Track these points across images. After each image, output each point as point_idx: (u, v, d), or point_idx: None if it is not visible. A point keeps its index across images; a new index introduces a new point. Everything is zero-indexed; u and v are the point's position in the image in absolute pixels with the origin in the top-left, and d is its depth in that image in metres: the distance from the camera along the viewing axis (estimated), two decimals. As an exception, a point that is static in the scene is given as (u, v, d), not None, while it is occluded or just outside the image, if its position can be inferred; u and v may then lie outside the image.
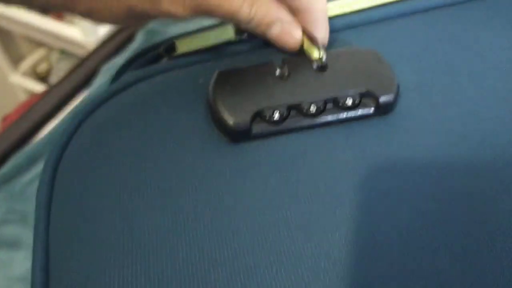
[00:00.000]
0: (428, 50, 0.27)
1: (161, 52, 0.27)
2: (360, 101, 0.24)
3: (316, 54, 0.24)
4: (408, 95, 0.25)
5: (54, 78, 1.23)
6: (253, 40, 0.27)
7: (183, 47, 0.27)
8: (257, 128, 0.23)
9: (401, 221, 0.21)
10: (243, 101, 0.23)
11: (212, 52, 0.27)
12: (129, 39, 0.96)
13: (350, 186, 0.22)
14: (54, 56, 1.27)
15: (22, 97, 1.29)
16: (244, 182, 0.22)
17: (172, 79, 0.25)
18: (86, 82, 0.96)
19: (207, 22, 0.28)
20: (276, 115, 0.23)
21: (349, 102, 0.23)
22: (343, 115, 0.24)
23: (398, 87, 0.24)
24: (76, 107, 0.25)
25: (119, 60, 0.91)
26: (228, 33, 0.27)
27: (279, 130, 0.23)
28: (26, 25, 1.10)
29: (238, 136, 0.23)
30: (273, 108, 0.23)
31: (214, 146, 0.23)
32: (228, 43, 0.27)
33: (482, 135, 0.23)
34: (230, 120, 0.23)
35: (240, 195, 0.21)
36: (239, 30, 0.27)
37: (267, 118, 0.23)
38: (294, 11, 0.24)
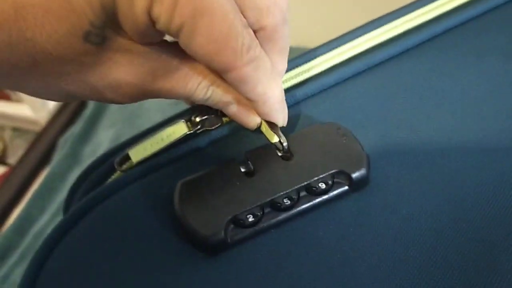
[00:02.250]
0: (387, 107, 0.26)
1: (116, 166, 0.25)
2: (333, 182, 0.22)
3: (275, 139, 0.23)
4: (379, 163, 0.24)
5: (11, 157, 1.18)
6: (209, 131, 0.26)
7: (137, 155, 0.25)
8: (233, 235, 0.21)
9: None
10: (213, 210, 0.21)
11: (169, 154, 0.25)
12: (82, 106, 0.94)
13: (337, 274, 0.20)
14: (7, 135, 1.22)
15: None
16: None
17: (132, 196, 0.24)
18: (46, 158, 0.93)
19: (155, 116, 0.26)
20: (250, 218, 0.22)
21: (322, 186, 0.22)
22: (319, 199, 0.22)
23: (369, 159, 0.23)
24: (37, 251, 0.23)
25: (75, 129, 0.88)
26: (181, 128, 0.25)
27: (256, 232, 0.22)
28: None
29: (215, 248, 0.21)
30: (245, 211, 0.21)
31: (191, 262, 0.22)
32: (182, 139, 0.25)
33: (458, 195, 0.22)
34: (203, 233, 0.21)
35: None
36: (192, 123, 0.26)
37: (241, 223, 0.21)
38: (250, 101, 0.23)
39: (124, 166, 0.25)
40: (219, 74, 0.21)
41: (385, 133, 0.25)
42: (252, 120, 0.24)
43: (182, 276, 0.21)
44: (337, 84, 0.27)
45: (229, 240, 0.21)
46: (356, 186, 0.23)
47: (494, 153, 0.23)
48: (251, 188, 0.22)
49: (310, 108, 0.26)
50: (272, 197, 0.22)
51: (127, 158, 0.25)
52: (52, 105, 0.98)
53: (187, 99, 0.23)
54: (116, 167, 0.25)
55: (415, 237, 0.21)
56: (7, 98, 1.07)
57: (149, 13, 0.18)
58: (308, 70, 0.27)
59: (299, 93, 0.26)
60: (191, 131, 0.25)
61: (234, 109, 0.23)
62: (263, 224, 0.22)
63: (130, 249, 0.22)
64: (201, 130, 0.25)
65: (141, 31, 0.19)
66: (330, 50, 0.28)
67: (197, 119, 0.25)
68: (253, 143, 0.25)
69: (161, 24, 0.18)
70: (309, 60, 0.28)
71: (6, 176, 0.93)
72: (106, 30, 0.19)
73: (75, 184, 0.27)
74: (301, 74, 0.27)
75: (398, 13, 0.30)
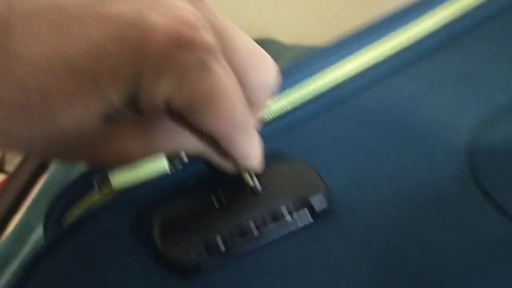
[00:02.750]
0: (354, 140, 0.28)
1: (95, 185, 0.27)
2: (297, 211, 0.25)
3: (250, 182, 0.26)
4: (344, 196, 0.26)
5: (9, 165, 1.21)
6: (188, 170, 0.28)
7: (117, 180, 0.27)
8: (206, 260, 0.24)
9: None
10: (187, 236, 0.24)
11: (148, 187, 0.27)
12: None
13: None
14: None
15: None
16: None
17: (108, 225, 0.26)
18: (43, 165, 0.95)
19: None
20: (222, 244, 0.24)
21: (287, 216, 0.25)
22: (285, 230, 0.25)
23: (329, 191, 0.25)
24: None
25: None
26: (162, 165, 0.28)
27: (228, 258, 0.24)
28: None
29: (188, 271, 0.24)
30: (217, 238, 0.24)
31: (165, 284, 0.24)
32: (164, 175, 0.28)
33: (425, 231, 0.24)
34: (177, 256, 0.23)
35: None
36: (172, 162, 0.28)
37: (213, 249, 0.24)
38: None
39: (104, 190, 0.27)
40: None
41: (352, 169, 0.27)
42: (231, 170, 0.26)
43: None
44: (305, 120, 0.29)
45: (201, 265, 0.24)
46: (318, 214, 0.25)
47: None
48: (222, 217, 0.24)
49: (278, 145, 0.28)
50: (241, 225, 0.24)
51: (107, 178, 0.27)
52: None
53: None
54: (95, 187, 0.27)
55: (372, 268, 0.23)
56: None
57: (167, 102, 0.19)
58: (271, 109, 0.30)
59: (267, 130, 0.29)
60: (173, 168, 0.27)
61: (216, 160, 0.25)
62: (234, 250, 0.24)
63: (106, 273, 0.24)
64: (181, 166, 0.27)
65: (156, 113, 0.20)
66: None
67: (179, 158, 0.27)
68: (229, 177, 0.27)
69: (176, 109, 0.20)
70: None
71: (4, 184, 0.95)
72: (125, 110, 0.19)
73: (52, 204, 0.29)
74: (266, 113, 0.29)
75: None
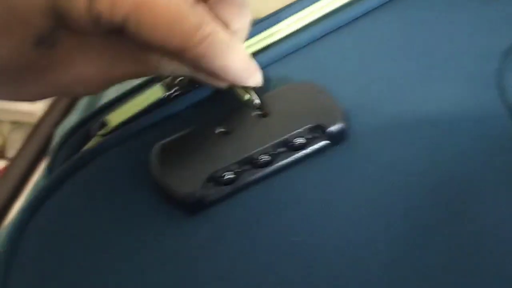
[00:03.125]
0: (362, 61, 0.26)
1: (93, 133, 0.25)
2: (311, 138, 0.22)
3: (246, 97, 0.23)
4: (357, 118, 0.23)
5: (10, 151, 1.19)
6: (185, 94, 0.25)
7: (114, 120, 0.25)
8: (212, 194, 0.21)
9: (381, 251, 0.19)
10: (190, 170, 0.21)
11: (145, 119, 0.25)
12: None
13: (320, 229, 0.20)
14: (5, 128, 1.23)
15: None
16: (209, 254, 0.20)
17: (111, 162, 0.24)
18: (43, 150, 0.93)
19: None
20: (228, 175, 0.21)
21: (300, 140, 0.22)
22: (297, 155, 0.22)
23: (345, 113, 0.23)
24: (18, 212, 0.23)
25: (71, 118, 0.88)
26: (156, 92, 0.25)
27: (235, 190, 0.22)
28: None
29: (193, 207, 0.21)
30: (223, 169, 0.21)
31: (170, 222, 0.22)
32: (159, 102, 0.25)
33: (440, 146, 0.22)
34: (180, 192, 0.21)
35: (208, 268, 0.20)
36: (169, 85, 0.25)
37: (219, 181, 0.21)
38: None
39: (101, 132, 0.25)
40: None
41: (362, 87, 0.25)
42: (222, 84, 0.24)
43: (163, 235, 0.21)
44: (310, 43, 0.27)
45: (207, 198, 0.21)
46: (334, 140, 0.22)
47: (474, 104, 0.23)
48: (227, 147, 0.22)
49: (284, 68, 0.26)
50: (249, 154, 0.22)
51: (104, 124, 0.25)
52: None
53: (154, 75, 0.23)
54: (93, 133, 0.25)
55: (396, 184, 0.21)
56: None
57: (90, 12, 0.18)
58: (280, 30, 0.27)
59: (272, 53, 0.26)
60: (166, 95, 0.25)
61: (203, 77, 0.23)
62: (242, 181, 0.22)
63: (110, 212, 0.22)
64: (177, 93, 0.25)
65: (88, 29, 0.19)
66: (301, 9, 0.28)
67: (173, 81, 0.25)
68: (231, 103, 0.25)
69: (104, 20, 0.18)
70: (280, 21, 0.27)
71: (4, 171, 0.94)
72: (56, 32, 0.19)
73: (56, 149, 0.27)
74: (274, 35, 0.27)
75: None
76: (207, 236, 0.21)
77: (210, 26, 0.20)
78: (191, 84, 0.25)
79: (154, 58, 0.22)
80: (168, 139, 0.23)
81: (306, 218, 0.21)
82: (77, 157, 0.24)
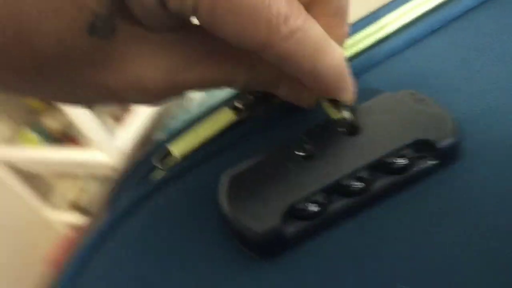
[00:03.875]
0: (469, 67, 0.21)
1: (156, 164, 0.22)
2: (415, 157, 0.18)
3: (337, 115, 0.19)
4: (470, 131, 0.19)
5: (86, 203, 1.21)
6: (258, 116, 0.22)
7: (179, 149, 0.22)
8: (292, 231, 0.17)
9: None
10: (266, 202, 0.17)
11: (214, 145, 0.22)
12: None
13: (432, 275, 0.15)
14: (83, 183, 1.26)
15: (58, 232, 1.27)
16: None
17: (177, 193, 0.21)
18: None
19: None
20: (312, 207, 0.17)
21: (401, 161, 0.18)
22: (398, 179, 0.18)
23: (458, 125, 0.18)
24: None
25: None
26: (226, 116, 0.22)
27: (321, 225, 0.17)
28: (46, 162, 1.11)
29: (270, 247, 0.17)
30: (305, 199, 0.17)
31: (243, 267, 0.18)
32: (229, 128, 0.22)
33: None
34: (253, 229, 0.17)
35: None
36: (238, 109, 0.22)
37: (301, 214, 0.17)
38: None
39: (166, 163, 0.22)
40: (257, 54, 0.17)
41: (471, 97, 0.20)
42: (308, 99, 0.20)
43: (233, 281, 0.17)
44: (407, 47, 0.22)
45: (288, 236, 0.17)
46: (445, 159, 0.18)
47: None
48: (310, 172, 0.18)
49: (378, 76, 0.22)
50: (336, 179, 0.17)
51: (168, 153, 0.22)
52: (120, 145, 0.99)
53: (225, 87, 0.19)
54: (156, 164, 0.22)
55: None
56: (77, 144, 1.11)
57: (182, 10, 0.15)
58: (373, 33, 0.23)
59: (364, 59, 0.22)
60: (238, 118, 0.21)
61: (284, 91, 0.20)
62: (329, 214, 0.17)
63: (174, 254, 0.19)
64: (249, 116, 0.21)
65: (152, 14, 0.16)
66: (395, 9, 0.24)
67: (242, 105, 0.21)
68: (312, 123, 0.21)
69: (171, 3, 0.15)
70: (373, 22, 0.23)
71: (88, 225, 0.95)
72: (113, 19, 0.16)
73: (118, 185, 0.24)
74: (366, 38, 0.23)
75: None
76: (287, 284, 0.17)
77: (302, 19, 0.16)
78: (263, 107, 0.22)
79: (227, 66, 0.19)
80: (238, 166, 0.19)
81: (413, 259, 0.16)
82: (142, 189, 0.21)
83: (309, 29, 0.16)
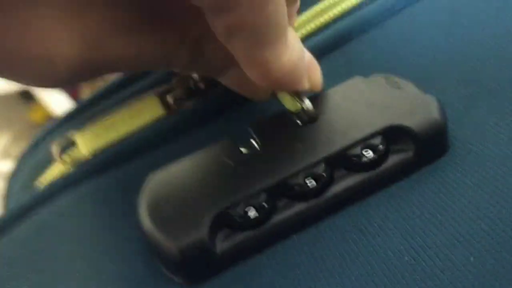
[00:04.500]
0: (452, 38, 0.17)
1: (56, 157, 0.18)
2: (386, 148, 0.14)
3: (296, 106, 0.15)
4: (460, 118, 0.15)
5: None
6: (194, 108, 0.18)
7: (88, 144, 0.18)
8: (225, 245, 0.13)
9: None
10: (193, 209, 0.13)
11: (135, 141, 0.17)
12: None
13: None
14: None
15: None
16: None
17: (80, 201, 0.16)
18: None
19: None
20: (250, 212, 0.13)
21: (368, 154, 0.14)
22: (365, 177, 0.14)
23: (442, 108, 0.14)
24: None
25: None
26: (152, 105, 0.18)
27: (263, 238, 0.13)
28: None
29: (196, 267, 0.13)
30: (242, 202, 0.13)
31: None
32: (157, 121, 0.18)
33: None
34: (173, 244, 0.13)
35: None
36: (167, 101, 0.18)
37: (236, 222, 0.13)
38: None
39: (68, 156, 0.18)
40: (209, 24, 0.13)
41: (458, 78, 0.16)
42: (261, 89, 0.16)
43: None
44: (376, 19, 0.18)
45: (219, 252, 0.13)
46: (426, 150, 0.14)
47: None
48: (253, 171, 0.14)
49: (346, 55, 0.18)
50: (284, 177, 0.13)
51: (72, 144, 0.18)
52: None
53: (162, 68, 0.15)
54: (56, 157, 0.18)
55: None
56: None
57: None
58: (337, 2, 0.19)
59: (328, 35, 0.18)
60: (168, 111, 0.18)
61: (233, 78, 0.16)
62: (275, 222, 0.13)
63: (78, 276, 0.15)
64: (181, 108, 0.18)
65: None
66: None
67: (173, 97, 0.17)
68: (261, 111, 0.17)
69: None
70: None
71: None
72: None
73: (14, 172, 0.20)
74: (329, 9, 0.19)
75: None
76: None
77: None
78: (201, 96, 0.18)
79: (173, 33, 0.14)
80: (164, 167, 0.15)
81: (387, 278, 0.11)
82: (33, 196, 0.17)
83: (279, 5, 0.13)
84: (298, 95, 0.15)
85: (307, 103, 0.15)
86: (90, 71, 0.14)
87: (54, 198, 0.16)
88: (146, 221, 0.14)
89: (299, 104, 0.15)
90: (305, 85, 0.15)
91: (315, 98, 0.15)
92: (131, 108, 0.17)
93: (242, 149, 0.15)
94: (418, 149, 0.14)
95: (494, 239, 0.11)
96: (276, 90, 0.15)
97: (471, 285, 0.10)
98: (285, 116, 0.15)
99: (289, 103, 0.15)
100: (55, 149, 0.17)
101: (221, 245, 0.13)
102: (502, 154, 0.13)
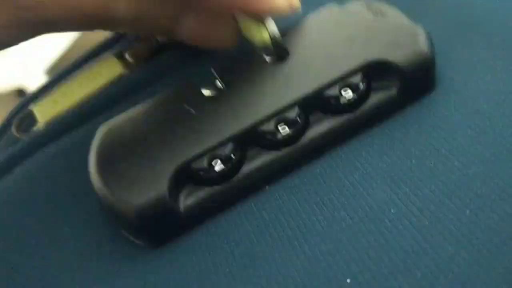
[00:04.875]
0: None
1: (15, 132, 0.16)
2: (367, 87, 0.12)
3: (262, 37, 0.13)
4: (449, 51, 0.13)
5: None
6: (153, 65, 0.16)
7: (46, 113, 0.16)
8: (189, 202, 0.12)
9: None
10: (152, 162, 0.12)
11: (94, 102, 0.16)
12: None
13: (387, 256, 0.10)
14: None
15: None
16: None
17: (39, 168, 0.15)
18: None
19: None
20: (217, 165, 0.11)
21: (346, 94, 0.12)
22: (344, 120, 0.12)
23: (431, 42, 0.12)
24: None
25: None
26: (111, 66, 0.16)
27: (231, 193, 0.12)
28: None
29: (157, 228, 0.12)
30: (207, 153, 0.12)
31: (128, 256, 0.12)
32: (116, 82, 0.16)
33: None
34: (130, 201, 0.11)
35: None
36: (124, 59, 0.16)
37: (201, 176, 0.12)
38: None
39: (29, 130, 0.16)
40: None
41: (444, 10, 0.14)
42: (222, 35, 0.14)
43: (115, 275, 0.12)
44: None
45: (182, 210, 0.11)
46: (413, 88, 0.12)
47: None
48: (218, 116, 0.12)
49: None
50: (253, 123, 0.12)
51: (32, 117, 0.16)
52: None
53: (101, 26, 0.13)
54: (15, 132, 0.16)
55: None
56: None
57: None
58: None
59: None
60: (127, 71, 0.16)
61: (189, 28, 0.14)
62: (244, 174, 0.12)
63: (40, 238, 0.13)
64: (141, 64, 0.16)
65: None
66: None
67: (133, 55, 0.15)
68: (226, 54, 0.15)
69: None
70: None
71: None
72: None
73: None
74: None
75: None
76: (178, 278, 0.11)
77: None
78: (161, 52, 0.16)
79: None
80: (119, 117, 0.13)
81: (367, 240, 0.10)
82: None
83: None
84: (262, 20, 0.13)
85: (273, 29, 0.13)
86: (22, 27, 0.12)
87: (10, 170, 0.15)
88: (97, 179, 0.12)
89: (266, 34, 0.13)
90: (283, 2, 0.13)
91: (285, 32, 0.13)
92: (89, 71, 0.15)
93: (205, 92, 0.13)
94: (403, 86, 0.12)
95: (488, 186, 0.10)
96: (241, 12, 0.13)
97: (467, 241, 0.09)
98: (253, 54, 0.13)
99: (255, 33, 0.13)
100: (14, 125, 0.16)
101: (185, 202, 0.12)
102: (492, 91, 0.12)
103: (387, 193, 0.11)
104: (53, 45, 0.94)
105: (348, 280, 0.10)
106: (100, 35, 0.17)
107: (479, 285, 0.09)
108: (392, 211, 0.10)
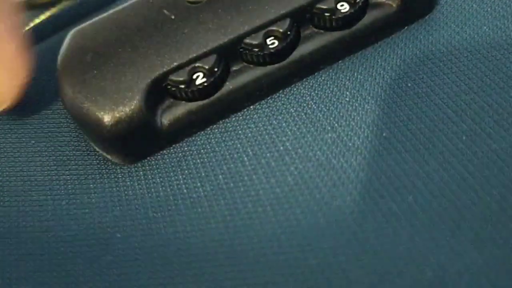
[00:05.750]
0: None
1: None
2: (365, 0, 0.11)
3: None
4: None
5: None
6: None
7: None
8: (167, 118, 0.11)
9: None
10: (126, 73, 0.11)
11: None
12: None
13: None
14: None
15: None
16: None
17: None
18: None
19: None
20: (198, 78, 0.11)
21: (342, 7, 0.11)
22: (339, 36, 0.11)
23: None
24: None
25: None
26: None
27: (212, 107, 0.11)
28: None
29: (132, 144, 0.11)
30: (188, 66, 0.11)
31: (100, 173, 0.11)
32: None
33: None
34: (102, 116, 0.10)
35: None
36: None
37: (181, 89, 0.11)
38: None
39: None
40: None
41: None
42: None
43: (82, 199, 0.11)
44: None
45: (160, 126, 0.11)
46: (411, 4, 0.11)
47: None
48: (199, 24, 0.11)
49: None
50: (239, 34, 0.11)
51: None
52: None
53: None
54: None
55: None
56: None
57: None
58: None
59: None
60: None
61: None
62: (228, 89, 0.11)
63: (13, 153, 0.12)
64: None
65: None
66: None
67: None
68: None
69: None
70: None
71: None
72: None
73: None
74: None
75: None
76: (154, 196, 0.10)
77: None
78: None
79: None
80: (89, 23, 0.12)
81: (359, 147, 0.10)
82: None
83: None
84: None
85: None
86: None
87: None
88: (67, 91, 0.11)
89: None
90: None
91: None
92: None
93: None
94: (402, 3, 0.11)
95: (487, 114, 0.10)
96: None
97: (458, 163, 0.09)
98: None
99: None
100: None
101: (162, 117, 0.11)
102: (492, 12, 0.11)
103: (380, 117, 0.10)
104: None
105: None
106: None
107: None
108: (383, 134, 0.10)
